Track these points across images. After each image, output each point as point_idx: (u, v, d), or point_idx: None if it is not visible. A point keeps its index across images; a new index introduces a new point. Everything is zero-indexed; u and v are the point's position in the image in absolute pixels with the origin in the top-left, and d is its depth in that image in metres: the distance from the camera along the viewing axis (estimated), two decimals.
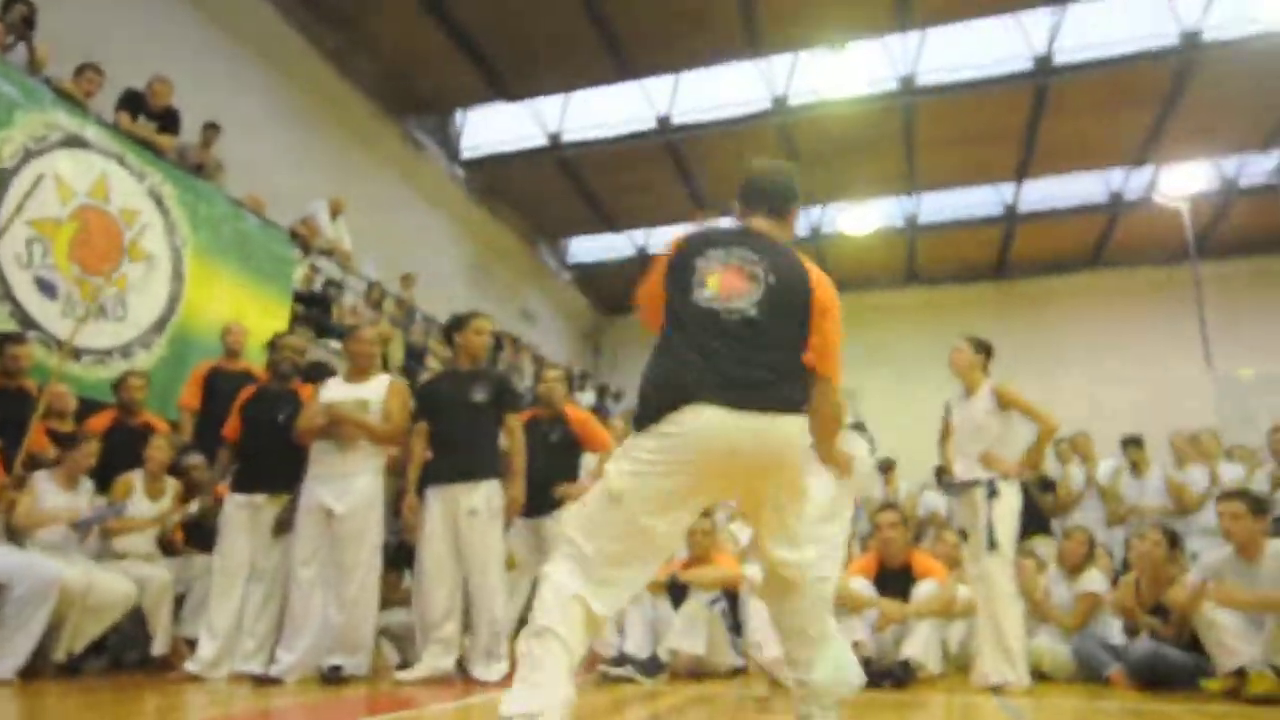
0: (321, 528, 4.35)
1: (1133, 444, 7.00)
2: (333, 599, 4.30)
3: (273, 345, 4.92)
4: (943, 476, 8.22)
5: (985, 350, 4.53)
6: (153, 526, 4.84)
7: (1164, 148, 12.73)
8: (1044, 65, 11.20)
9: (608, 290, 18.10)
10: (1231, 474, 6.59)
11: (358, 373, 4.62)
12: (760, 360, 2.31)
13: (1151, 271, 15.56)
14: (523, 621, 5.12)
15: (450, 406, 4.51)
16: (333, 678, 4.16)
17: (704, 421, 2.21)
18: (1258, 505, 4.06)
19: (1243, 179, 13.80)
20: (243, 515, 4.52)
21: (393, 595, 4.96)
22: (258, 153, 9.38)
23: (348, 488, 4.36)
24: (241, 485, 4.60)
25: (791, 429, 2.30)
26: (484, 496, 4.36)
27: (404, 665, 4.65)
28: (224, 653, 4.37)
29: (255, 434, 4.65)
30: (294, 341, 4.97)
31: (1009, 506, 4.25)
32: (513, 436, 4.58)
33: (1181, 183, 13.45)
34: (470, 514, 4.30)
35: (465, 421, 4.48)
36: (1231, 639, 3.90)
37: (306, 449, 4.51)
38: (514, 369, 12.16)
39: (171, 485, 4.96)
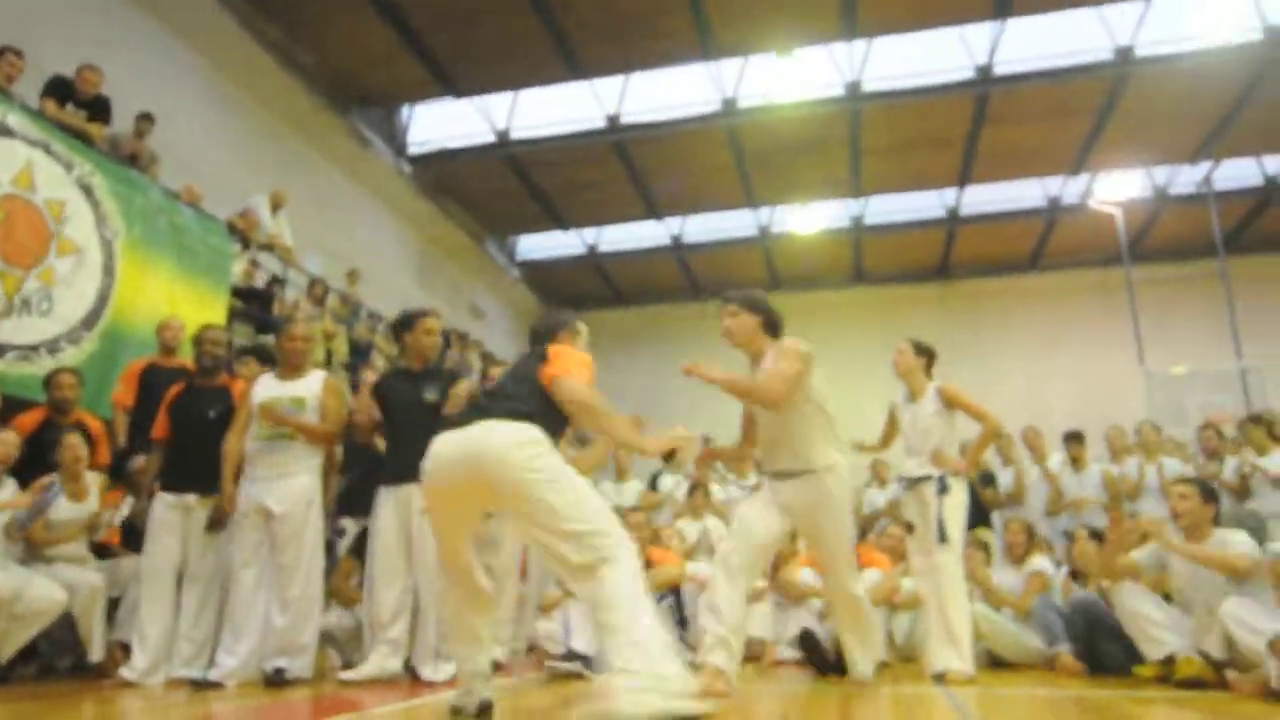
0: (261, 529, 4.24)
1: (1073, 439, 7.20)
2: (275, 601, 4.19)
3: (196, 340, 4.78)
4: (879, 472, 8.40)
5: (927, 354, 4.64)
6: (83, 531, 4.64)
7: (1099, 156, 13.16)
8: (985, 75, 11.49)
9: (557, 287, 18.04)
10: (1170, 468, 6.82)
11: (291, 369, 4.50)
12: (495, 396, 2.83)
13: (1087, 274, 16.07)
14: None
15: (402, 406, 4.42)
16: (276, 680, 4.05)
17: (434, 444, 2.74)
18: (1207, 492, 4.19)
19: (1172, 188, 14.34)
20: (173, 516, 4.37)
21: (341, 592, 4.86)
22: (195, 144, 9.13)
23: (286, 488, 4.25)
24: (171, 484, 4.43)
25: (498, 428, 2.62)
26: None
27: (346, 667, 4.55)
28: (159, 658, 4.22)
29: (184, 432, 4.49)
30: (215, 334, 4.79)
31: (958, 501, 4.37)
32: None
33: (1116, 189, 13.93)
34: (421, 514, 4.23)
35: (417, 421, 4.40)
36: (1156, 629, 4.03)
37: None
38: (462, 365, 12.03)
39: (95, 482, 4.76)
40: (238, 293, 8.15)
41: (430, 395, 4.39)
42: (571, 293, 18.14)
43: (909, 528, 4.56)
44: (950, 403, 4.49)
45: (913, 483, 4.49)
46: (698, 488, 7.06)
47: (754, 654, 5.23)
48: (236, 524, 4.30)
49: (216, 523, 4.38)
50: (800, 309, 16.88)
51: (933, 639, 4.33)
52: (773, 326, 3.86)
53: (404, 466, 4.33)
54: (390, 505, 4.32)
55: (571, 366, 2.79)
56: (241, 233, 8.63)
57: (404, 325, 4.57)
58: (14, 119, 5.82)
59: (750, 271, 16.95)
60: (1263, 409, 9.11)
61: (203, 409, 4.52)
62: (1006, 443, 7.32)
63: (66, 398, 5.00)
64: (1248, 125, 12.18)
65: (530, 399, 2.75)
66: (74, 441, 4.62)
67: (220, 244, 7.68)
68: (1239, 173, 14.03)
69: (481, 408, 2.78)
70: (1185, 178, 14.15)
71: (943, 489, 4.32)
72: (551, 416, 2.74)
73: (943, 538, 4.26)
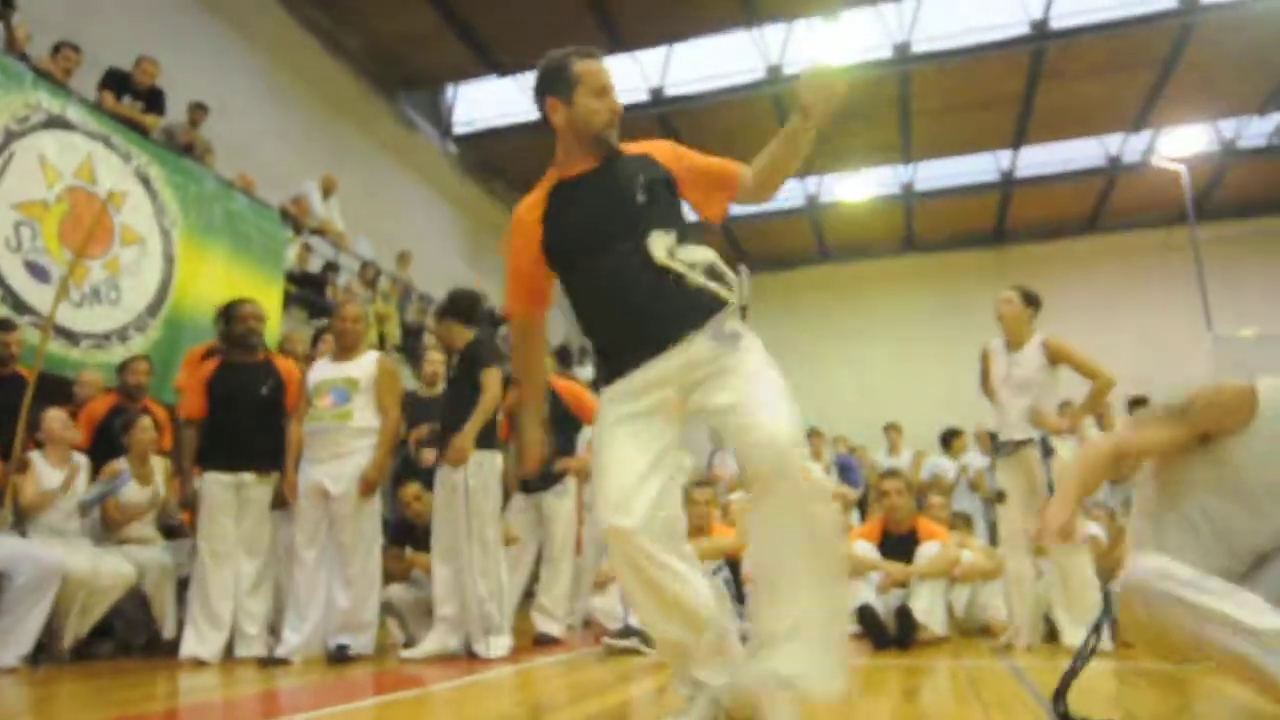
0: (320, 509, 4.33)
1: (1138, 405, 7.00)
2: (337, 579, 4.29)
3: (227, 316, 4.63)
4: (947, 437, 8.15)
5: (1035, 303, 4.41)
6: (149, 513, 4.80)
7: (1162, 111, 12.63)
8: (1041, 30, 11.08)
9: None
10: None
11: (345, 350, 4.55)
12: None
13: (1150, 234, 15.52)
14: (529, 595, 5.15)
15: (455, 390, 4.49)
16: (339, 657, 4.15)
17: None
18: None
19: (1241, 141, 13.73)
20: (228, 495, 4.40)
21: (395, 569, 4.93)
22: (247, 132, 9.28)
23: (342, 468, 4.33)
24: (223, 463, 4.43)
25: None
26: (464, 472, 4.27)
27: (408, 643, 4.64)
28: (224, 634, 4.35)
29: (236, 410, 4.48)
30: (253, 309, 4.68)
31: (1066, 463, 4.21)
32: (485, 390, 4.33)
33: (1180, 145, 13.39)
34: (452, 490, 4.28)
35: (448, 400, 4.48)
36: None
37: (288, 424, 4.53)
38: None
39: (160, 466, 4.90)
40: (292, 278, 8.30)
41: (454, 373, 4.48)
42: None
43: (1000, 496, 4.41)
44: (1056, 357, 4.29)
45: (1013, 446, 4.30)
46: None
47: None
48: (296, 505, 4.40)
49: (280, 502, 4.50)
50: (850, 279, 16.86)
51: (1059, 611, 4.23)
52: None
53: (444, 446, 4.38)
54: (440, 484, 4.39)
55: None
56: (294, 218, 8.78)
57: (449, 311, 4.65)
58: (73, 112, 5.97)
59: (798, 241, 16.73)
60: None
61: (252, 386, 4.53)
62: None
63: (141, 383, 5.15)
64: None
65: None
66: (144, 425, 4.77)
67: (274, 230, 7.82)
68: None
69: None
70: (1255, 129, 13.53)
71: (1047, 452, 4.09)
72: None
73: None
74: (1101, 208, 15.49)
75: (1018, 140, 13.47)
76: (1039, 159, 14.44)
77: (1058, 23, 11.03)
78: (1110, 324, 15.18)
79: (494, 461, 4.41)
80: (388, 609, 4.86)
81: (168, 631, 4.62)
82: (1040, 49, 11.30)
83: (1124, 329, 15.01)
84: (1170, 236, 14.87)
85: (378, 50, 11.35)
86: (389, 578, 4.79)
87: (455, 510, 4.26)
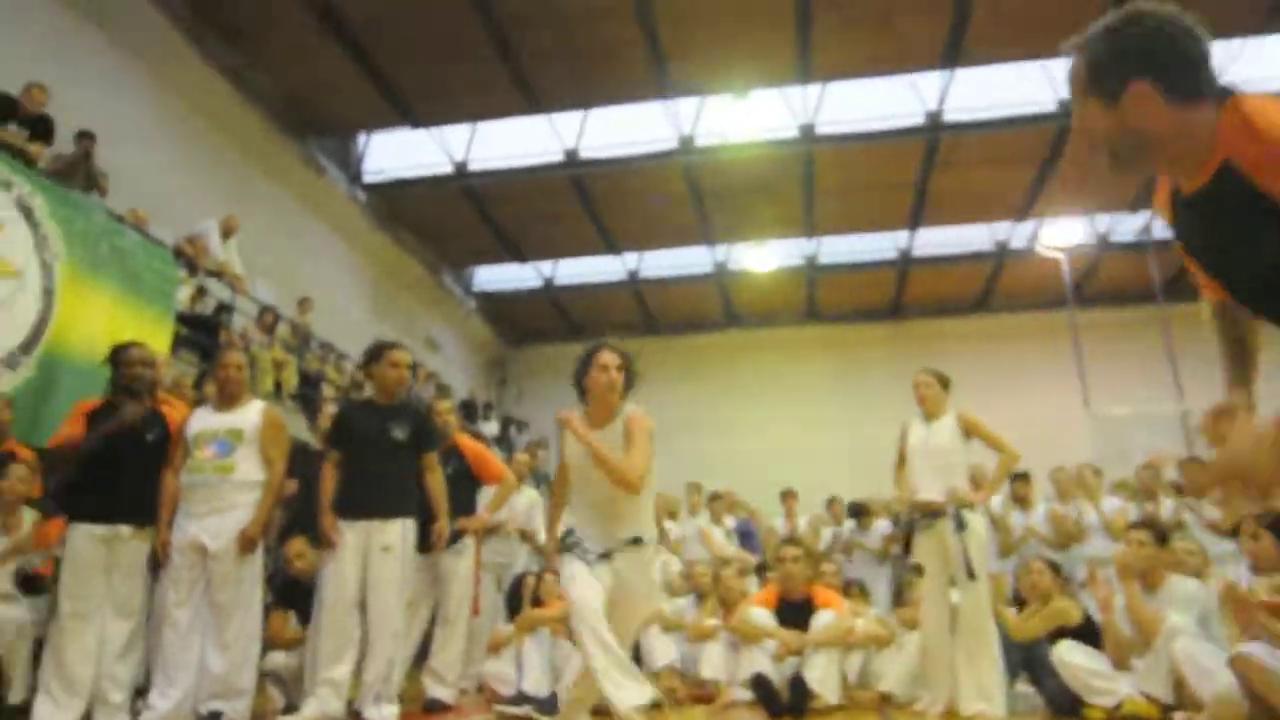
0: (196, 567, 4.07)
1: (1020, 479, 7.29)
2: (211, 642, 4.02)
3: (115, 360, 4.35)
4: (857, 508, 8.26)
5: (947, 383, 4.68)
6: (8, 562, 4.43)
7: (1044, 203, 13.54)
8: (935, 121, 11.80)
9: (514, 320, 17.95)
10: (1111, 506, 6.94)
11: (227, 400, 4.34)
12: None
13: (1034, 317, 16.45)
14: (421, 658, 4.95)
15: (368, 441, 4.32)
16: None
17: None
18: (1160, 536, 4.26)
19: (1114, 235, 14.84)
20: (99, 549, 4.03)
21: (280, 637, 4.67)
22: (142, 166, 8.94)
23: (222, 523, 4.09)
24: (97, 514, 4.07)
25: None
26: (399, 534, 4.22)
27: (290, 709, 4.39)
28: (83, 702, 4.00)
29: (118, 456, 4.14)
30: (141, 354, 4.40)
31: (979, 534, 4.37)
32: (433, 474, 4.48)
33: (1061, 235, 14.36)
34: (384, 550, 4.14)
35: (385, 457, 4.32)
36: (1098, 680, 4.07)
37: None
38: (416, 398, 11.87)
39: (29, 517, 4.55)
40: (183, 319, 7.95)
41: (397, 434, 4.32)
42: (527, 326, 18.06)
43: (917, 569, 4.55)
44: (968, 430, 4.51)
45: (928, 520, 4.45)
46: None
47: (707, 695, 5.17)
48: (171, 560, 4.12)
49: (156, 564, 4.21)
50: (755, 345, 17.24)
51: (962, 681, 4.28)
52: None
53: (367, 502, 4.23)
54: (350, 540, 4.20)
55: None
56: (189, 258, 8.45)
57: (372, 358, 4.49)
58: None
59: (706, 307, 17.08)
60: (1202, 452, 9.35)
61: (139, 432, 4.23)
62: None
63: (2, 422, 4.79)
64: None
65: None
66: (18, 473, 4.44)
67: (166, 269, 7.48)
68: None
69: None
70: (1126, 226, 14.64)
71: (960, 526, 4.28)
72: None
73: (972, 575, 4.24)
74: (990, 289, 16.40)
75: (914, 221, 14.20)
76: (935, 240, 15.23)
77: (950, 116, 11.77)
78: (996, 399, 15.76)
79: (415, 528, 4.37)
80: (271, 678, 4.59)
81: (16, 695, 4.22)
82: (934, 139, 12.01)
83: (1009, 404, 15.63)
84: (1052, 319, 15.80)
85: (288, 92, 11.17)
86: (272, 644, 4.52)
87: (380, 570, 4.15)
